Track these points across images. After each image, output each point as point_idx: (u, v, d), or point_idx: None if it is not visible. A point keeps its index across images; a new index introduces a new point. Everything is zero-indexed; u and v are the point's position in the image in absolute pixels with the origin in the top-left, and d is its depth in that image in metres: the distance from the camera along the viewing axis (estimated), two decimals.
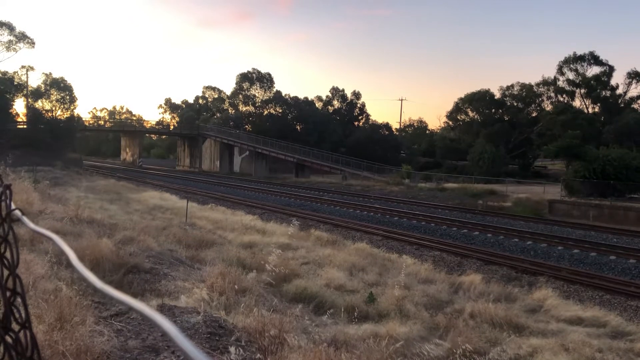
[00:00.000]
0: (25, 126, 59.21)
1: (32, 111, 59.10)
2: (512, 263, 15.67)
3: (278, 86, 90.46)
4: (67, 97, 60.69)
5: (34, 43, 59.92)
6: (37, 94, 59.71)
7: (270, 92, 76.22)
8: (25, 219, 1.44)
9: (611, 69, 57.96)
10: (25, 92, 59.50)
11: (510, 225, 22.63)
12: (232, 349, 4.87)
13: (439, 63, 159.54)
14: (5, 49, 59.01)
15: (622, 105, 57.71)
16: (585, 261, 16.21)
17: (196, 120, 79.69)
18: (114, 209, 20.04)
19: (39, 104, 60.02)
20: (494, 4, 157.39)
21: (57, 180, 31.48)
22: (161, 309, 6.10)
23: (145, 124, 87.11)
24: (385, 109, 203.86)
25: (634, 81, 57.52)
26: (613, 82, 58.49)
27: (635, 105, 57.74)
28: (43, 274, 6.31)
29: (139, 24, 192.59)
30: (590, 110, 59.05)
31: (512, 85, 62.88)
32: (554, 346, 8.22)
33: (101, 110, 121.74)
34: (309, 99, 78.73)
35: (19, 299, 1.42)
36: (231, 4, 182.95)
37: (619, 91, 58.70)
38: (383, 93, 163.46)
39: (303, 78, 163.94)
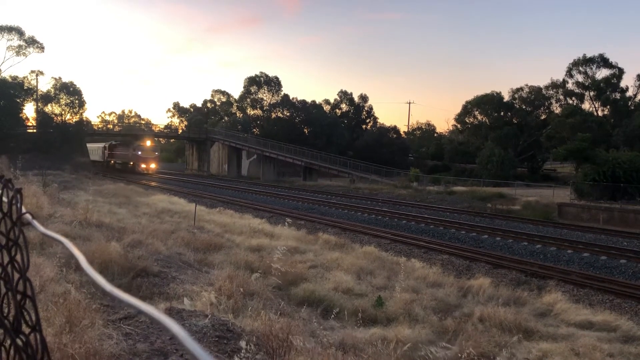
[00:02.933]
0: (34, 130, 59.70)
1: (41, 115, 59.57)
2: (521, 267, 15.57)
3: (286, 90, 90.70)
4: (76, 101, 61.11)
5: (43, 48, 60.57)
6: (46, 98, 60.18)
7: (278, 96, 76.44)
8: (35, 222, 1.45)
9: (621, 71, 57.69)
10: (34, 96, 60.02)
11: (520, 229, 22.51)
12: (240, 352, 4.87)
13: (447, 66, 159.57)
14: (15, 54, 59.63)
15: (632, 107, 57.36)
16: (596, 265, 16.09)
17: (204, 124, 80.00)
18: (123, 212, 20.11)
19: (48, 108, 60.48)
20: (503, 7, 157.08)
21: (66, 184, 31.66)
22: (169, 312, 6.11)
23: (153, 128, 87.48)
24: (393, 112, 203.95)
25: None
26: (623, 84, 58.29)
27: None
28: (52, 277, 6.34)
29: (148, 28, 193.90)
30: (599, 113, 58.76)
31: (521, 88, 62.70)
32: (564, 350, 8.16)
33: (110, 114, 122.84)
34: (317, 102, 78.95)
35: (29, 302, 1.42)
36: (239, 9, 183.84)
37: (629, 93, 58.45)
38: (391, 96, 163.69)
39: (311, 81, 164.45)
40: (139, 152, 58.83)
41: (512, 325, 9.23)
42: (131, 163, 59.77)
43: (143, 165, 59.04)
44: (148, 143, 61.32)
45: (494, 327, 9.18)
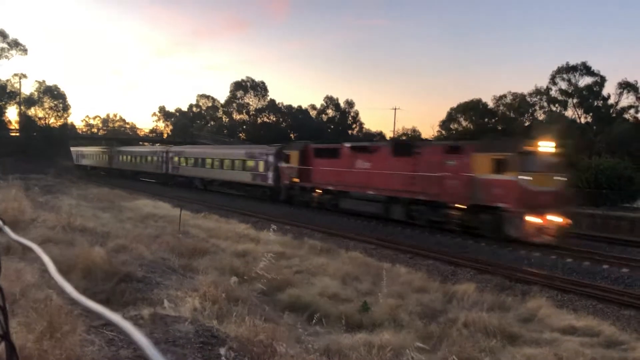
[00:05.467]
0: (17, 134, 59.01)
1: (24, 119, 58.94)
2: (505, 272, 15.68)
3: (272, 94, 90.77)
4: (61, 104, 60.64)
5: (26, 50, 59.94)
6: (30, 101, 59.57)
7: (264, 101, 76.46)
8: (6, 228, 1.43)
9: (603, 79, 58.49)
10: (18, 99, 59.34)
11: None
12: (223, 358, 4.84)
13: (433, 72, 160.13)
14: None
15: (614, 115, 58.19)
16: (579, 270, 16.24)
17: (190, 128, 79.69)
18: (107, 217, 19.91)
19: (31, 112, 59.87)
20: (488, 15, 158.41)
21: (50, 188, 31.33)
22: (153, 318, 6.05)
23: (138, 132, 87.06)
24: (379, 118, 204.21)
25: (625, 91, 58.08)
26: (605, 92, 59.07)
27: (626, 115, 58.24)
28: (34, 283, 6.25)
29: (133, 32, 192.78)
30: (582, 120, 59.48)
31: (505, 95, 63.40)
32: (548, 355, 8.21)
33: (94, 118, 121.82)
34: (303, 107, 79.10)
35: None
36: (226, 13, 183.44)
37: (611, 101, 59.24)
38: (377, 102, 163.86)
39: (297, 86, 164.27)
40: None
41: (497, 331, 9.27)
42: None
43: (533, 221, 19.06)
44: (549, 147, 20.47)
45: (478, 332, 9.21)
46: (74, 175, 52.08)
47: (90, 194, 31.02)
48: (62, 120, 61.78)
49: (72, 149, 67.80)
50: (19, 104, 59.52)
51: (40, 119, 60.05)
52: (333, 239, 20.66)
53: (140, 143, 74.81)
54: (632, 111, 58.40)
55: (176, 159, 47.99)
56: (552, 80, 59.98)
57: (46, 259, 1.25)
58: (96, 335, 5.11)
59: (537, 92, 61.36)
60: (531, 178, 19.15)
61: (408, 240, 21.29)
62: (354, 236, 21.34)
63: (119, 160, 59.78)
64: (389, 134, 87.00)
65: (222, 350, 4.77)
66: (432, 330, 9.08)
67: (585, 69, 58.53)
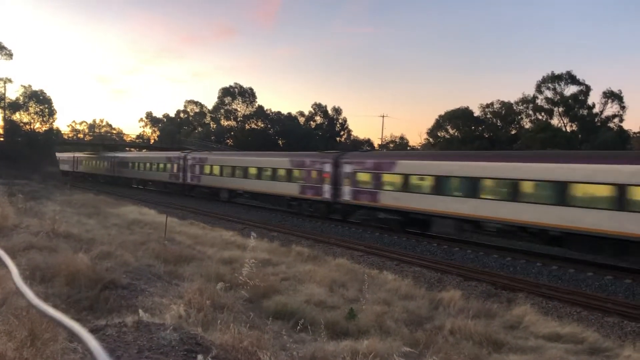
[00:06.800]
0: (1, 139, 58.28)
1: (9, 124, 58.24)
2: (491, 279, 15.75)
3: (260, 101, 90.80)
4: (47, 109, 59.98)
5: (11, 55, 59.30)
6: (15, 106, 58.87)
7: (252, 107, 76.43)
8: None
9: (588, 88, 59.26)
10: (2, 104, 58.64)
11: (490, 242, 22.75)
12: None
13: (421, 80, 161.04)
14: None
15: (599, 124, 58.89)
16: (564, 278, 16.37)
17: (177, 134, 79.38)
18: (92, 223, 19.73)
19: (16, 117, 59.16)
20: (476, 23, 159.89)
21: (34, 194, 30.96)
22: (137, 325, 5.99)
23: (125, 138, 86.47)
24: (367, 125, 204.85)
25: (610, 100, 58.85)
26: (590, 101, 59.82)
27: (611, 124, 58.99)
28: (15, 290, 6.16)
29: (122, 38, 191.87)
30: (568, 129, 60.13)
31: (492, 103, 63.93)
32: None
33: (80, 124, 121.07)
34: (292, 114, 79.16)
35: None
36: (214, 20, 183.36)
37: (596, 110, 59.96)
38: (365, 109, 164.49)
39: (285, 93, 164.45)
40: None
41: (482, 338, 9.29)
42: None
43: None
44: None
45: (464, 339, 9.22)
46: (58, 181, 51.52)
47: (76, 200, 30.70)
48: (47, 125, 61.11)
49: (107, 154, 61.09)
50: (4, 108, 58.82)
51: (25, 124, 59.37)
52: (320, 246, 20.64)
53: (127, 149, 74.25)
54: (616, 120, 59.23)
55: None
56: (538, 89, 60.65)
57: (10, 264, 1.23)
58: (79, 342, 5.05)
59: (524, 100, 61.98)
60: None
61: (394, 247, 21.33)
62: (341, 243, 21.33)
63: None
64: (377, 142, 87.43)
65: (200, 357, 4.73)
66: (418, 337, 9.07)
67: (570, 78, 59.27)
